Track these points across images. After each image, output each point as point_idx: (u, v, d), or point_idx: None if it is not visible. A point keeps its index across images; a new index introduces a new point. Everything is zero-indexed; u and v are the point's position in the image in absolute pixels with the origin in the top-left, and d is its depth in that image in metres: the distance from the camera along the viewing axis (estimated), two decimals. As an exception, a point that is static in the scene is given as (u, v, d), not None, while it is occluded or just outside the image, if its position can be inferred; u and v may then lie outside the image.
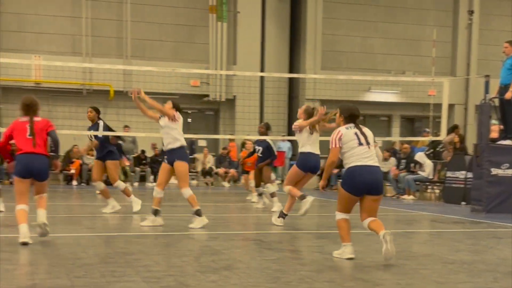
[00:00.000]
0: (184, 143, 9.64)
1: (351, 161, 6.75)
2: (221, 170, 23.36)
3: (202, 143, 24.50)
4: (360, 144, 6.77)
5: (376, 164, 6.82)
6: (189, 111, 25.47)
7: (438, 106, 17.49)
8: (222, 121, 25.55)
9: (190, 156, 24.13)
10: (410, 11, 27.21)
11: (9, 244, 7.28)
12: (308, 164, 9.88)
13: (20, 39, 23.34)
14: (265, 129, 13.91)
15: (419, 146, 20.26)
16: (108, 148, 11.78)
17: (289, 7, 26.13)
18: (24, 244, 7.19)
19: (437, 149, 19.12)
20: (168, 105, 9.61)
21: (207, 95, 24.93)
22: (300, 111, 10.06)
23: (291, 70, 26.15)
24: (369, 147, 6.81)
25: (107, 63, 22.31)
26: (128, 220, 10.86)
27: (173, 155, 9.48)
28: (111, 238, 8.39)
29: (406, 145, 19.25)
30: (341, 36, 26.56)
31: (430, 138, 19.05)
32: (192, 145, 23.13)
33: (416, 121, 28.01)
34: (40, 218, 7.55)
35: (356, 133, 6.84)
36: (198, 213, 9.44)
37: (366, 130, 6.95)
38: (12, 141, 7.99)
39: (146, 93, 9.39)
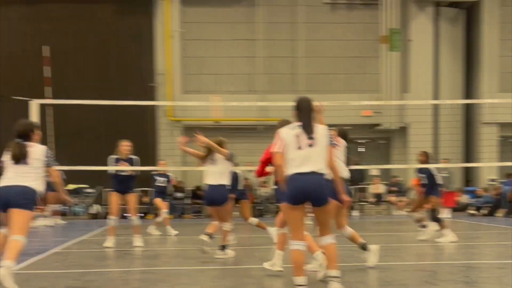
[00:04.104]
0: None
1: None
2: (393, 198, 23.10)
3: (375, 172, 24.36)
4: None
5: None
6: (361, 141, 25.55)
7: None
8: (394, 150, 25.33)
9: (360, 185, 23.95)
10: None
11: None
12: None
13: (200, 81, 24.82)
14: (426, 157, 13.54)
15: None
16: None
17: (462, 31, 25.46)
18: None
19: None
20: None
21: (379, 124, 24.89)
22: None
23: (466, 95, 25.37)
24: None
25: (281, 99, 22.92)
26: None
27: None
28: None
29: None
30: (520, 56, 25.29)
31: None
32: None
33: None
34: None
35: None
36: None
37: None
38: None
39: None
